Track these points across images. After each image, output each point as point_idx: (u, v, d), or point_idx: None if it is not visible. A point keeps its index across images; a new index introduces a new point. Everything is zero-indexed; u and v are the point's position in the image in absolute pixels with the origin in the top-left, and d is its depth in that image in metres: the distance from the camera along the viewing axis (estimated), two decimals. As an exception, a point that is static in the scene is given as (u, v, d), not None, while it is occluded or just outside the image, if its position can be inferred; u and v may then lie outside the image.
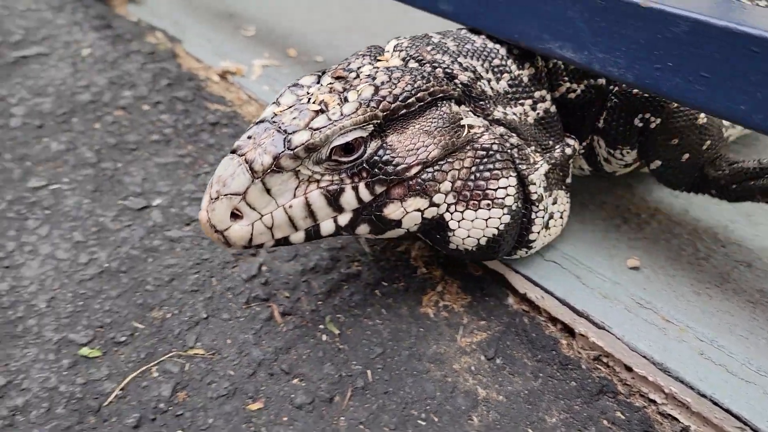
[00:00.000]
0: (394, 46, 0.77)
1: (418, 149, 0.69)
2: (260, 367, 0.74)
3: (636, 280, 0.78)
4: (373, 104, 0.66)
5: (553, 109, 0.78)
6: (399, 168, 0.68)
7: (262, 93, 1.21)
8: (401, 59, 0.74)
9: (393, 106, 0.67)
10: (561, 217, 0.80)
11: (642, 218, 0.88)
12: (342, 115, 0.65)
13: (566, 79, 0.79)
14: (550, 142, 0.78)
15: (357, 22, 1.55)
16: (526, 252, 0.79)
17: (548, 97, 0.78)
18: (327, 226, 0.69)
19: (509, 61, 0.76)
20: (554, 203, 0.78)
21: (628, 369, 0.71)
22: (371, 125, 0.66)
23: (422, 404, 0.71)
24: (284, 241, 0.69)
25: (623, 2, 0.62)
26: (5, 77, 1.24)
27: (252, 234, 0.67)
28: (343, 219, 0.69)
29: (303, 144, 0.64)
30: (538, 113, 0.77)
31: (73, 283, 0.82)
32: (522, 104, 0.76)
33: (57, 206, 0.94)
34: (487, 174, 0.71)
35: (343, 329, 0.78)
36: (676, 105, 0.74)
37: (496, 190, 0.71)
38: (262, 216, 0.66)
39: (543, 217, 0.76)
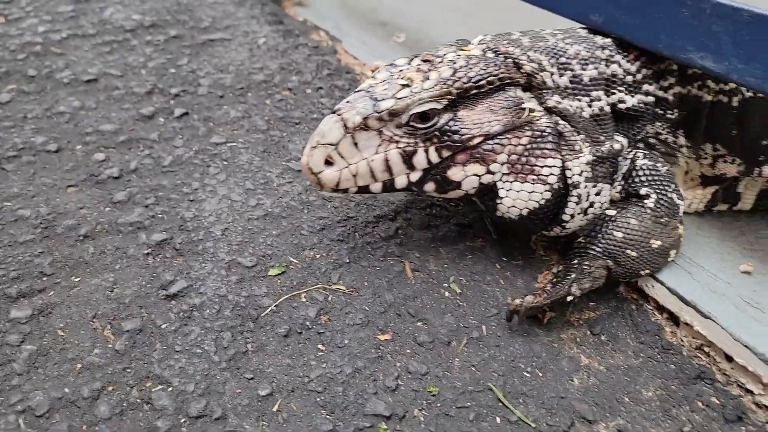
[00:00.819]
0: (479, 40, 0.87)
1: (482, 123, 0.79)
2: (390, 307, 0.84)
3: (746, 283, 0.81)
4: (449, 82, 0.78)
5: (607, 108, 0.84)
6: (464, 137, 0.78)
7: (409, 89, 1.33)
8: (481, 50, 0.84)
9: (466, 86, 0.78)
10: (601, 208, 0.85)
11: (760, 233, 0.91)
12: (422, 89, 0.77)
13: (622, 89, 0.85)
14: (602, 137, 0.83)
15: (496, 27, 1.65)
16: (560, 230, 0.85)
17: (603, 97, 0.84)
18: (401, 181, 0.81)
19: (574, 62, 0.83)
20: (597, 194, 0.84)
21: (729, 359, 0.75)
22: (445, 100, 0.78)
23: (529, 360, 0.78)
24: (365, 189, 0.81)
25: (763, 17, 0.68)
26: (195, 55, 1.44)
27: (339, 179, 0.79)
28: (414, 176, 0.81)
29: (387, 109, 0.76)
30: (593, 110, 0.83)
31: (243, 219, 0.96)
32: (580, 100, 0.83)
33: (233, 159, 1.10)
34: (538, 152, 0.79)
35: (464, 289, 0.87)
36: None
37: (542, 167, 0.79)
38: (349, 165, 0.79)
39: (576, 202, 0.82)
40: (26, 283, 0.83)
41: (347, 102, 0.80)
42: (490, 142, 0.79)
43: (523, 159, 0.79)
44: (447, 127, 0.79)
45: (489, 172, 0.80)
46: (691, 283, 0.81)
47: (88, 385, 0.71)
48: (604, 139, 0.83)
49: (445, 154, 0.79)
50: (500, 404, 0.73)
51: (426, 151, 0.79)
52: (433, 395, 0.73)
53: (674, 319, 0.81)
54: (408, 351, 0.79)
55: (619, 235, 0.81)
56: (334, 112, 0.79)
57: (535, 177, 0.79)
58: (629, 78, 0.85)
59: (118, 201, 0.99)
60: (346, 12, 1.80)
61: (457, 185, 0.81)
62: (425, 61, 0.83)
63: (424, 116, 0.78)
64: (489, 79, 0.79)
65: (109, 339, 0.77)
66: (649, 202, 0.83)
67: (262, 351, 0.77)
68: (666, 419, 0.72)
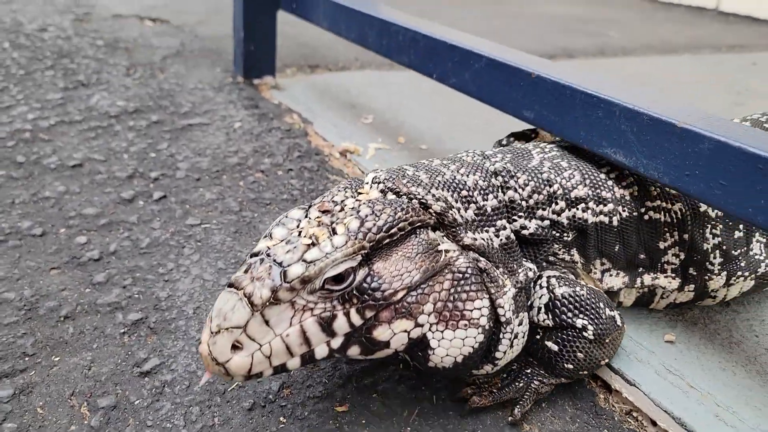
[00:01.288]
0: (372, 179, 0.82)
1: (402, 274, 0.72)
2: (348, 380, 0.90)
3: (669, 352, 0.89)
4: (360, 236, 0.71)
5: (512, 236, 0.84)
6: (386, 293, 0.71)
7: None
8: (380, 191, 0.79)
9: (378, 236, 0.72)
10: (524, 337, 0.83)
11: (685, 306, 1.00)
12: (333, 247, 0.70)
13: (522, 215, 0.86)
14: (514, 266, 0.83)
15: (458, 118, 1.77)
16: (492, 368, 0.82)
17: (507, 225, 0.84)
18: (321, 351, 0.72)
19: (474, 193, 0.83)
20: (520, 324, 0.81)
21: (654, 423, 0.82)
22: (359, 255, 0.71)
23: (475, 426, 0.85)
24: (281, 368, 0.72)
25: (663, 122, 0.78)
26: (175, 139, 1.53)
27: (252, 364, 0.69)
28: (336, 343, 0.72)
29: (299, 276, 0.68)
30: (501, 239, 0.83)
31: (214, 298, 1.03)
32: (488, 231, 0.82)
33: (207, 240, 1.17)
34: (464, 296, 0.75)
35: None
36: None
37: (471, 311, 0.75)
38: (261, 346, 0.69)
39: (509, 338, 0.80)
40: (9, 364, 0.89)
41: (245, 272, 0.70)
42: (413, 293, 0.73)
43: (449, 305, 0.74)
44: (365, 285, 0.71)
45: (417, 325, 0.74)
46: (621, 353, 0.89)
47: (64, 461, 0.76)
48: (517, 267, 0.83)
49: (368, 314, 0.72)
50: (447, 470, 0.78)
51: (347, 314, 0.71)
52: (385, 463, 0.79)
53: (606, 386, 0.88)
54: (363, 421, 0.84)
55: (570, 366, 0.83)
56: (232, 286, 0.70)
57: (466, 322, 0.75)
58: (524, 203, 0.86)
59: (97, 282, 1.05)
60: (318, 94, 1.92)
61: (386, 344, 0.74)
62: (324, 212, 0.76)
63: (338, 277, 0.70)
64: (399, 225, 0.74)
65: (86, 416, 0.82)
66: (589, 334, 0.82)
67: (227, 424, 0.83)
68: None
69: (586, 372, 0.85)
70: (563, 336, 0.83)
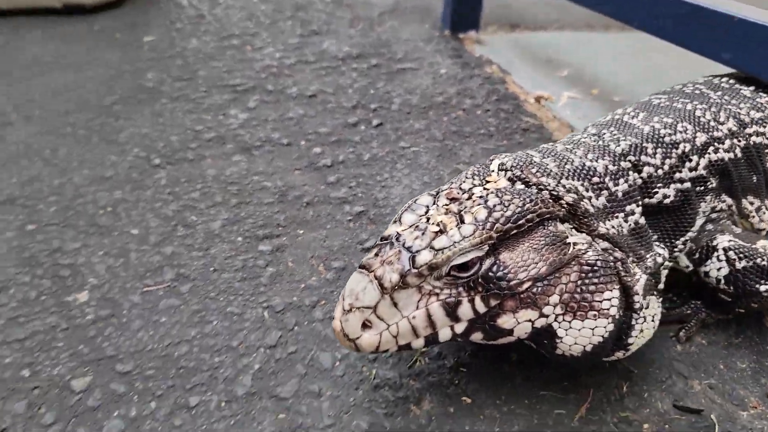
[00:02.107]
0: (499, 165, 0.80)
1: (528, 266, 0.71)
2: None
3: None
4: (488, 226, 0.70)
5: (642, 220, 0.82)
6: (512, 283, 0.70)
7: (566, 116, 1.53)
8: (508, 179, 0.77)
9: (506, 227, 0.70)
10: (653, 320, 0.81)
11: None
12: (461, 236, 0.69)
13: (659, 185, 0.85)
14: (642, 252, 0.81)
15: (653, 69, 1.79)
16: (623, 354, 0.80)
17: (637, 210, 0.82)
18: (444, 334, 0.72)
19: (606, 179, 0.81)
20: (647, 308, 0.79)
21: None
22: (486, 245, 0.70)
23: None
24: (406, 347, 0.72)
25: None
26: (390, 80, 1.75)
27: (380, 342, 0.70)
28: (459, 328, 0.72)
29: (427, 263, 0.68)
30: (630, 225, 0.81)
31: (420, 202, 1.23)
32: (617, 217, 0.80)
33: (415, 160, 1.37)
34: (592, 288, 0.72)
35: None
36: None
37: (601, 302, 0.72)
38: (389, 326, 0.70)
39: (641, 323, 0.78)
40: (268, 230, 1.15)
41: (375, 255, 0.72)
42: (539, 284, 0.71)
43: (577, 296, 0.72)
44: (491, 274, 0.70)
45: (542, 315, 0.72)
46: None
47: (308, 298, 1.00)
48: (645, 254, 0.82)
49: (493, 302, 0.71)
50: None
51: (471, 301, 0.71)
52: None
53: (773, 309, 0.93)
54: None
55: (742, 311, 0.90)
56: (363, 267, 0.71)
57: (595, 312, 0.72)
58: (660, 172, 0.85)
59: (329, 182, 1.29)
60: (517, 50, 2.03)
61: (509, 332, 0.73)
62: (452, 199, 0.76)
63: (464, 265, 0.70)
64: (527, 216, 0.72)
65: (322, 272, 1.06)
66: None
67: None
68: (754, 384, 0.86)
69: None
70: (743, 297, 0.87)
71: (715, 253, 0.87)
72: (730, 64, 1.03)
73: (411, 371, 0.86)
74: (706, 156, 0.89)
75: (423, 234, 0.71)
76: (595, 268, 0.73)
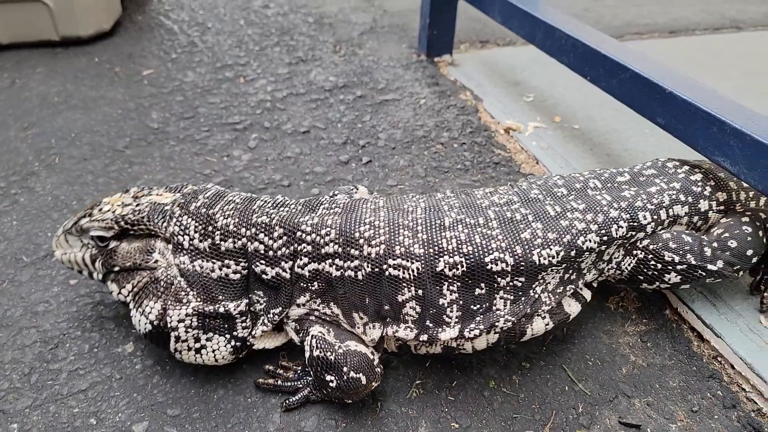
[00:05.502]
0: (175, 188, 1.05)
1: (125, 257, 0.98)
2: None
3: (754, 317, 1.11)
4: (117, 219, 0.99)
5: (235, 276, 0.95)
6: (112, 263, 1.00)
7: (531, 147, 1.69)
8: (171, 200, 1.01)
9: (125, 226, 0.99)
10: (197, 348, 0.98)
11: None
12: (102, 218, 1.00)
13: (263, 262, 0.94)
14: (220, 297, 0.95)
15: (610, 100, 1.95)
16: (171, 353, 1.02)
17: (234, 266, 0.95)
18: (95, 275, 1.05)
19: (217, 232, 0.95)
20: (191, 336, 0.97)
21: (732, 366, 1.06)
22: (112, 231, 0.99)
23: (592, 353, 1.13)
24: (83, 273, 1.06)
25: (762, 143, 0.98)
26: (375, 112, 1.89)
27: (62, 260, 1.06)
28: (98, 275, 1.03)
29: (80, 225, 1.01)
30: (221, 273, 0.95)
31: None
32: (212, 262, 0.94)
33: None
34: (147, 291, 0.97)
35: (554, 302, 1.23)
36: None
37: (146, 305, 0.97)
38: (66, 252, 1.05)
39: (174, 343, 0.98)
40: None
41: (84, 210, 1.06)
42: (124, 273, 1.00)
43: (140, 292, 0.98)
44: (111, 251, 0.99)
45: (120, 293, 1.00)
46: (714, 313, 1.12)
47: (319, 338, 1.16)
48: (222, 298, 0.95)
49: (105, 269, 1.01)
50: (569, 378, 1.09)
51: (99, 260, 1.01)
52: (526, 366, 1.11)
53: (699, 336, 1.12)
54: (511, 339, 1.16)
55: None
56: None
57: (142, 310, 0.97)
58: (270, 253, 0.93)
59: (328, 223, 1.44)
60: (488, 71, 2.18)
61: (110, 292, 1.05)
62: (134, 196, 1.03)
63: (101, 237, 0.98)
64: (141, 226, 0.97)
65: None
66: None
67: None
68: (682, 401, 1.05)
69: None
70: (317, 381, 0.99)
71: (307, 337, 0.96)
72: (665, 128, 1.19)
73: (408, 401, 1.03)
74: (318, 264, 0.94)
75: (98, 206, 1.01)
76: (155, 281, 0.96)
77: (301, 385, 1.02)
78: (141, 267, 0.96)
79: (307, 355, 0.97)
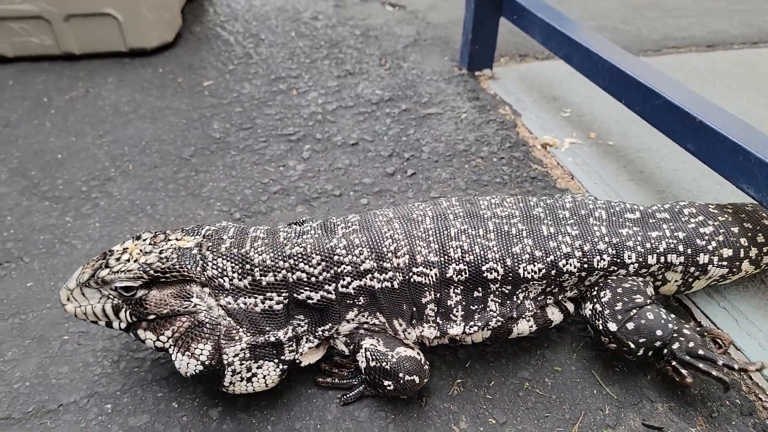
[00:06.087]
0: (204, 231, 1.05)
1: (160, 305, 0.97)
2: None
3: (773, 332, 1.19)
4: (145, 268, 0.96)
5: (278, 306, 1.01)
6: (145, 312, 0.97)
7: (567, 163, 1.78)
8: (195, 244, 1.01)
9: (155, 274, 0.96)
10: (250, 379, 1.03)
11: None
12: (127, 269, 0.96)
13: (307, 288, 1.01)
14: (267, 328, 1.01)
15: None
16: (224, 389, 1.04)
17: (277, 298, 1.01)
18: (115, 324, 1.02)
19: (257, 269, 0.99)
20: (244, 367, 1.01)
21: (750, 377, 1.14)
22: (140, 281, 0.96)
23: (620, 360, 1.22)
24: (99, 323, 1.02)
25: (784, 173, 1.06)
26: (419, 126, 2.00)
27: (76, 313, 1.01)
28: (121, 324, 1.00)
29: (101, 277, 0.96)
30: (264, 306, 1.01)
31: (450, 251, 1.50)
32: (255, 297, 1.00)
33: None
34: (192, 336, 0.98)
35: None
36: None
37: (195, 347, 0.98)
38: (81, 305, 1.00)
39: (230, 376, 1.01)
40: (333, 278, 1.43)
41: (95, 258, 1.02)
42: (161, 320, 0.98)
43: (184, 337, 0.98)
44: (139, 300, 0.97)
45: (159, 340, 1.00)
46: (734, 326, 1.20)
47: (369, 338, 1.29)
48: (269, 329, 1.01)
49: (134, 319, 0.99)
50: (597, 383, 1.18)
51: (125, 311, 0.98)
52: (557, 370, 1.21)
53: (720, 345, 1.21)
54: (545, 344, 1.26)
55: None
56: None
57: (190, 353, 0.99)
58: (313, 279, 1.01)
59: (377, 232, 1.56)
60: (526, 85, 2.26)
61: (143, 341, 1.02)
62: (152, 242, 1.01)
63: (126, 288, 0.95)
64: (173, 273, 0.96)
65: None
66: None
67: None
68: (702, 407, 1.13)
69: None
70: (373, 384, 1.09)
71: (360, 350, 1.07)
72: (694, 154, 1.28)
73: (450, 397, 1.15)
74: (360, 280, 1.03)
75: (113, 256, 0.98)
76: (200, 324, 0.97)
77: (356, 382, 1.12)
78: (180, 312, 0.97)
79: (363, 366, 1.06)
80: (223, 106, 2.14)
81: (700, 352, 1.06)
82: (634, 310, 1.08)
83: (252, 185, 1.73)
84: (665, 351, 1.09)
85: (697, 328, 1.16)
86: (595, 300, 1.10)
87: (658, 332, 1.06)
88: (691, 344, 1.07)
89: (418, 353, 1.10)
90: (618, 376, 1.19)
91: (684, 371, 1.06)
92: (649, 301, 1.09)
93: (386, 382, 1.05)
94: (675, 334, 1.08)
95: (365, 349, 1.06)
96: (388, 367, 1.03)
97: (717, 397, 1.14)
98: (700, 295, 1.27)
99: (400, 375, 1.03)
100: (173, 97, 2.20)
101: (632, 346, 1.08)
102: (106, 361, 1.21)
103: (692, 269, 1.13)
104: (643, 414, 1.12)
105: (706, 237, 1.12)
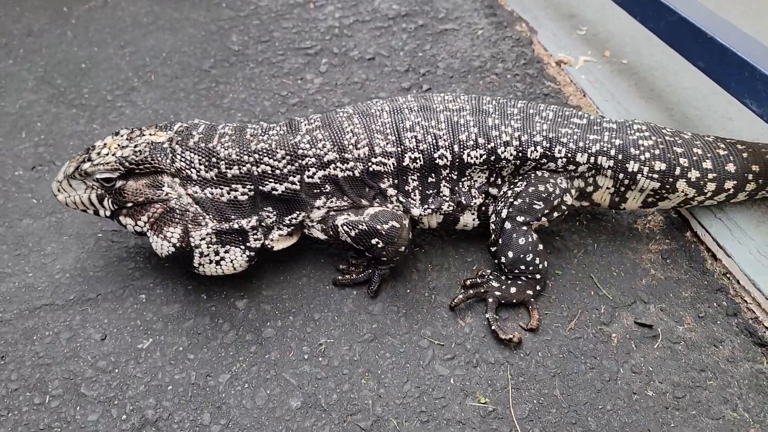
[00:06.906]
0: (176, 127, 1.12)
1: (136, 194, 1.06)
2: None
3: (765, 241, 1.25)
4: (121, 161, 1.04)
5: (243, 197, 1.09)
6: (124, 200, 1.08)
7: (580, 80, 1.79)
8: (167, 138, 1.08)
9: (130, 166, 1.04)
10: (218, 261, 1.12)
11: None
12: (105, 162, 1.05)
13: (271, 180, 1.09)
14: (233, 216, 1.09)
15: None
16: (195, 270, 1.14)
17: (242, 189, 1.08)
18: (100, 212, 1.11)
19: (222, 162, 1.07)
20: (212, 250, 1.10)
21: (738, 282, 1.21)
22: (117, 172, 1.05)
23: (618, 266, 1.30)
24: (88, 211, 1.13)
25: (789, 89, 1.08)
26: (435, 42, 2.00)
27: (66, 202, 1.12)
28: (106, 212, 1.10)
29: (84, 170, 1.06)
30: (230, 197, 1.09)
31: (462, 163, 1.54)
32: (220, 188, 1.07)
33: (457, 124, 1.67)
34: (165, 220, 1.07)
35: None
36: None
37: (166, 231, 1.08)
38: (69, 195, 1.10)
39: (198, 258, 1.10)
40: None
41: (80, 152, 1.14)
42: (138, 207, 1.08)
43: (159, 221, 1.08)
44: (118, 190, 1.06)
45: (137, 224, 1.10)
46: (729, 236, 1.26)
47: (383, 242, 1.36)
48: (235, 217, 1.09)
49: (115, 207, 1.09)
50: (595, 285, 1.26)
51: (108, 200, 1.08)
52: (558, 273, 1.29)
53: (713, 255, 1.27)
54: (548, 250, 1.34)
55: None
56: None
57: (162, 235, 1.08)
58: (278, 172, 1.08)
59: (391, 144, 1.61)
60: (544, 2, 2.23)
61: (123, 226, 1.12)
62: (129, 137, 1.08)
63: (107, 179, 1.05)
64: (146, 164, 1.04)
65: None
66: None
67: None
68: (691, 308, 1.21)
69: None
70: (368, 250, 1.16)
71: (338, 229, 1.13)
72: (704, 71, 1.29)
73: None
74: (326, 170, 1.11)
75: (95, 151, 1.06)
76: (171, 210, 1.06)
77: (371, 271, 1.21)
78: (153, 200, 1.05)
79: (348, 239, 1.13)
80: (241, 18, 2.14)
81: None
82: (525, 227, 1.15)
83: (271, 97, 1.76)
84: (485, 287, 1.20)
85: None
86: (512, 186, 1.17)
87: (528, 257, 1.16)
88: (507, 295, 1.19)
89: (386, 207, 1.15)
90: (614, 280, 1.26)
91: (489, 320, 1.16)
92: (547, 211, 1.16)
93: (374, 241, 1.11)
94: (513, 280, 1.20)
95: (341, 225, 1.12)
96: (366, 227, 1.10)
97: (705, 300, 1.21)
98: (699, 209, 1.32)
99: (378, 227, 1.10)
100: (191, 9, 2.20)
101: (502, 252, 1.18)
102: (139, 257, 1.30)
103: (621, 176, 1.16)
104: (636, 314, 1.20)
105: (642, 148, 1.14)
